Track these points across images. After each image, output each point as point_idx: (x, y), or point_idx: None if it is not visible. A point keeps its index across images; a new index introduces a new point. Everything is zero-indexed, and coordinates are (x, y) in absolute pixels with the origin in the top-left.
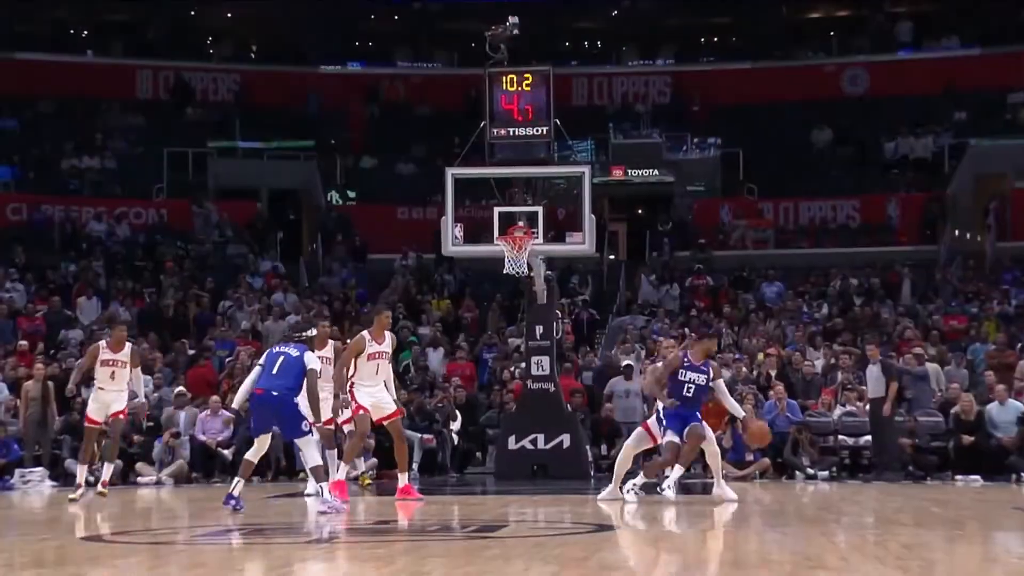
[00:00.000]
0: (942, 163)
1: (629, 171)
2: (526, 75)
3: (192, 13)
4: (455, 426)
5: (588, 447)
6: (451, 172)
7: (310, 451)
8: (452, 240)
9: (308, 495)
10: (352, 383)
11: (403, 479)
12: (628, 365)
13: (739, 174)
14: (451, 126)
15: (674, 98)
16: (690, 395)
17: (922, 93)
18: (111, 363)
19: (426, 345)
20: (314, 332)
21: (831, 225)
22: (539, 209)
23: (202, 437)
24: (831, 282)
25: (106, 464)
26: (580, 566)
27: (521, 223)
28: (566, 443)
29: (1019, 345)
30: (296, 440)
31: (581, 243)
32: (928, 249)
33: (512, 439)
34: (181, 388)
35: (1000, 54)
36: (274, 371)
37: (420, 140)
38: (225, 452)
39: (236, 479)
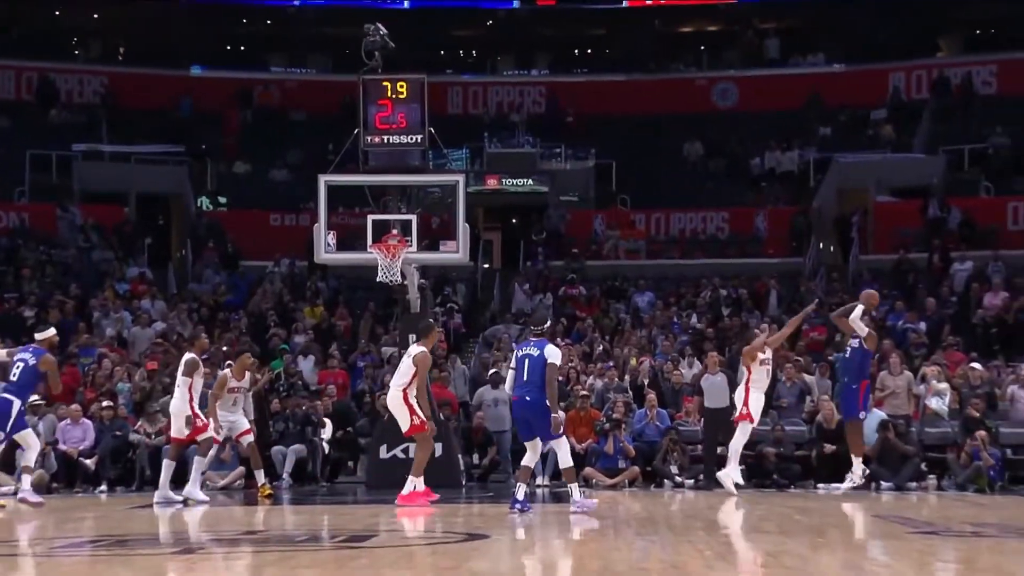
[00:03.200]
0: (808, 177)
1: (504, 180)
2: (400, 83)
3: (57, 13)
4: (325, 434)
5: (460, 456)
6: (324, 179)
7: (562, 453)
8: (325, 247)
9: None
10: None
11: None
12: (495, 373)
13: (612, 185)
14: (326, 132)
15: (549, 109)
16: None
17: (789, 108)
18: None
19: (298, 353)
20: (549, 323)
21: (701, 236)
22: (413, 217)
23: (63, 446)
24: (701, 292)
25: None
26: (450, 575)
27: (395, 231)
28: (438, 452)
29: (876, 356)
30: (550, 443)
31: (455, 252)
32: (794, 261)
33: (384, 448)
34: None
35: (863, 71)
36: (524, 377)
37: (294, 146)
38: (87, 462)
39: (518, 484)
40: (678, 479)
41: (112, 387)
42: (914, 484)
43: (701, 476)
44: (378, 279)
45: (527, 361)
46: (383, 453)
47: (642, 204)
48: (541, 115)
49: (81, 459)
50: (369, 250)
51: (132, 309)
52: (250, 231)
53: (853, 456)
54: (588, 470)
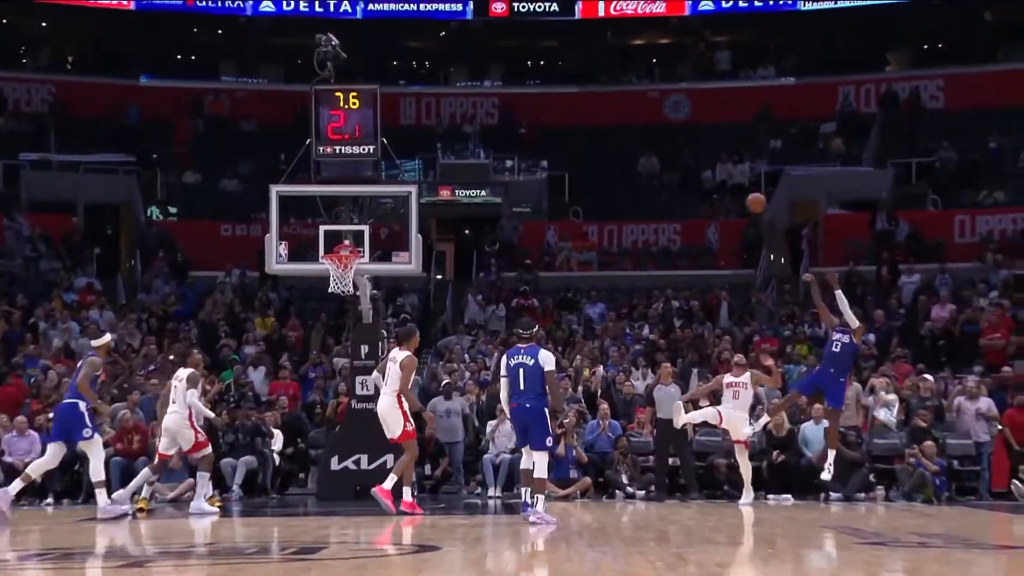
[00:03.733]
0: (759, 189)
1: (457, 191)
2: (353, 93)
3: (4, 21)
4: (276, 446)
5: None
6: (275, 189)
7: (542, 464)
8: (276, 258)
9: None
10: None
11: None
12: (447, 384)
13: (565, 196)
14: (278, 142)
15: (502, 120)
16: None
17: (740, 120)
18: None
19: (248, 364)
20: (536, 328)
21: (653, 248)
22: (365, 228)
23: (9, 458)
24: (653, 304)
25: None
26: None
27: (347, 241)
28: (390, 463)
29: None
30: (535, 451)
31: (407, 263)
32: (745, 273)
33: (335, 460)
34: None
35: (813, 84)
36: (521, 385)
37: (245, 156)
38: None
39: (524, 488)
40: (629, 490)
41: (58, 398)
42: (862, 495)
43: (652, 487)
44: (330, 290)
45: (522, 370)
46: (334, 464)
47: (594, 216)
48: (494, 126)
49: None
50: (321, 261)
51: (80, 320)
52: (200, 241)
53: (829, 449)
54: None
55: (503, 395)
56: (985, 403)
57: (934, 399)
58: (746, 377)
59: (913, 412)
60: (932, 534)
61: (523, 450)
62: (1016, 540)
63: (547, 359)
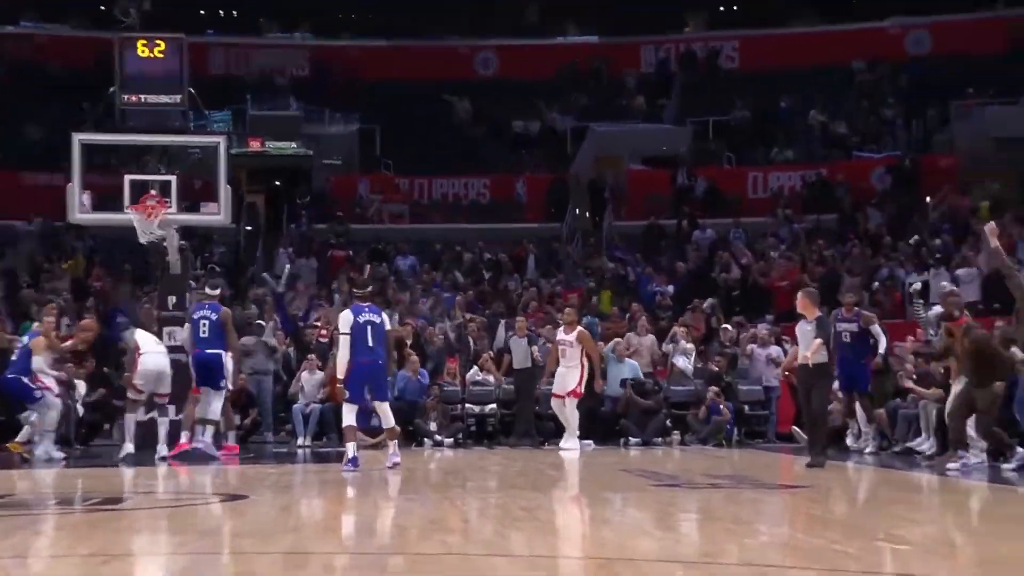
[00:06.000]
0: (566, 144)
1: (267, 143)
2: (158, 42)
3: None
4: (80, 396)
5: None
6: (78, 137)
7: (389, 412)
8: (79, 207)
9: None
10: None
11: None
12: (259, 324)
13: (376, 150)
14: (83, 90)
15: (313, 72)
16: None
17: (547, 77)
18: None
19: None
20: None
21: (463, 201)
22: (172, 178)
23: None
24: (462, 256)
25: None
26: (210, 535)
27: (154, 192)
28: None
29: (628, 315)
30: (382, 402)
31: (216, 214)
32: (552, 226)
33: (142, 411)
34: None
35: (617, 44)
36: (370, 342)
37: (49, 103)
38: None
39: (348, 443)
40: (437, 438)
41: None
42: (659, 439)
43: (459, 435)
44: (140, 241)
45: (370, 327)
46: (141, 415)
47: (406, 170)
48: (305, 78)
49: None
50: (127, 210)
51: None
52: (1, 190)
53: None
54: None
55: (344, 351)
56: (775, 350)
57: (732, 348)
58: (573, 336)
59: (709, 358)
60: (723, 475)
61: (346, 407)
62: (797, 480)
63: (386, 319)
